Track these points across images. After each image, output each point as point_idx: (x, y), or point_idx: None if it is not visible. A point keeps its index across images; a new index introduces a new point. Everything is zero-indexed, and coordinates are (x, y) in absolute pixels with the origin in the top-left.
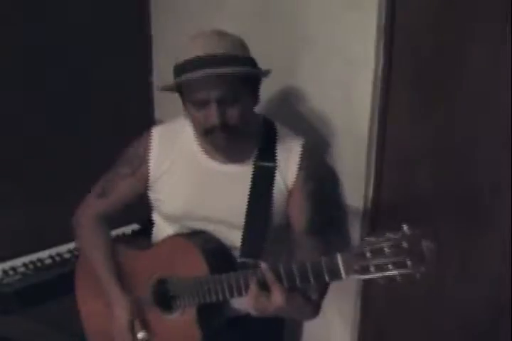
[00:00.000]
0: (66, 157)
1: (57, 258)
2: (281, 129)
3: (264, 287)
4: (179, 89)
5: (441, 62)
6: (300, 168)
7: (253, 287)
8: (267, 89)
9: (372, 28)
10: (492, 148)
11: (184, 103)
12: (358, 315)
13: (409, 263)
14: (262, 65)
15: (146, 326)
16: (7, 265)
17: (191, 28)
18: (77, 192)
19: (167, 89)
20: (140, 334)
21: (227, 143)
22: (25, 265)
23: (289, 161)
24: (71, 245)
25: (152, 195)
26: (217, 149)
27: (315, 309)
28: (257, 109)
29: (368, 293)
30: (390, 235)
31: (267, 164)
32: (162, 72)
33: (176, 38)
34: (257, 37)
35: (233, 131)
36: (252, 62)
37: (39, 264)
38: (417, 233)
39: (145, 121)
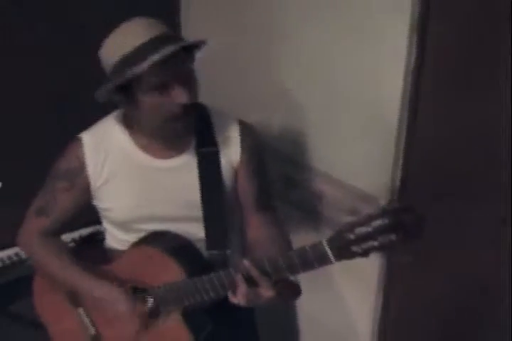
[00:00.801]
0: None
1: (80, 242)
2: (213, 111)
3: (251, 283)
4: (126, 85)
5: (474, 60)
6: (242, 147)
7: (241, 285)
8: (298, 82)
9: (406, 22)
10: None
11: (133, 98)
12: (379, 305)
13: (393, 237)
14: (289, 56)
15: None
16: None
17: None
18: None
19: (110, 92)
20: (149, 303)
21: (187, 127)
22: None
23: (230, 142)
24: (88, 229)
25: (98, 204)
26: (175, 135)
27: (298, 289)
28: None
29: (389, 284)
30: (370, 214)
31: (209, 149)
32: None
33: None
34: (292, 28)
35: (195, 111)
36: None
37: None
38: (396, 207)
39: None
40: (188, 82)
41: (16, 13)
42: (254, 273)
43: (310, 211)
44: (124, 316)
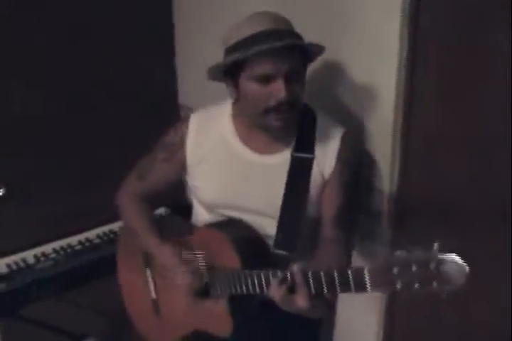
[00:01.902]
0: (93, 143)
1: (87, 244)
2: (321, 117)
3: (291, 289)
4: (234, 68)
5: (467, 49)
6: (338, 160)
7: (281, 289)
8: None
9: (397, 12)
10: None
11: (238, 83)
12: (384, 305)
13: (435, 284)
14: None
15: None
16: (38, 250)
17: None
18: (106, 179)
19: (217, 71)
20: (204, 280)
21: (284, 123)
22: (55, 251)
23: (327, 152)
24: (100, 230)
25: (190, 181)
26: (272, 130)
27: (330, 308)
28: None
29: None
30: (419, 253)
31: (304, 155)
32: (186, 57)
33: (197, 23)
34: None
35: (294, 110)
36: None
37: (69, 250)
38: (448, 257)
39: (169, 106)
40: (291, 80)
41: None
42: (298, 280)
43: None
44: (179, 286)
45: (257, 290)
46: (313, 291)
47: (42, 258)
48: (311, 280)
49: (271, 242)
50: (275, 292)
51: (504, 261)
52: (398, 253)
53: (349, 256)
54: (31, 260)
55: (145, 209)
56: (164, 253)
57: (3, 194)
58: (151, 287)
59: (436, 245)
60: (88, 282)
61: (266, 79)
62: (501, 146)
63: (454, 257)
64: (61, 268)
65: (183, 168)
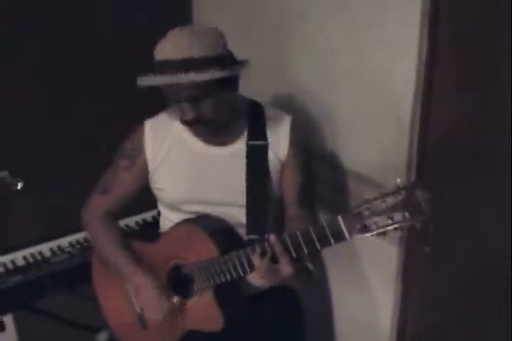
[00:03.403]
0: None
1: None
2: (268, 108)
3: (273, 259)
4: None
5: (485, 48)
6: (291, 143)
7: (264, 262)
8: (313, 76)
9: (417, 12)
10: None
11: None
12: (399, 293)
13: (407, 214)
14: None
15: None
16: (55, 244)
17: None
18: None
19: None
20: (175, 299)
21: (207, 131)
22: (71, 245)
23: (279, 138)
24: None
25: (153, 186)
26: (202, 136)
27: (309, 276)
28: (311, 92)
29: (406, 273)
30: (385, 191)
31: (259, 143)
32: None
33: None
34: (307, 23)
35: (209, 122)
36: (220, 61)
37: (85, 244)
38: (410, 184)
39: None
40: (199, 99)
41: None
42: (278, 248)
43: (334, 207)
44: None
45: (240, 271)
46: (293, 255)
47: (58, 252)
48: (289, 244)
49: (242, 230)
50: (259, 266)
51: None
52: (366, 197)
53: None
54: (47, 253)
55: (113, 229)
56: (140, 284)
57: (21, 187)
58: (134, 301)
59: (398, 179)
60: None
61: (176, 101)
62: None
63: (418, 183)
64: (76, 262)
65: (145, 173)
